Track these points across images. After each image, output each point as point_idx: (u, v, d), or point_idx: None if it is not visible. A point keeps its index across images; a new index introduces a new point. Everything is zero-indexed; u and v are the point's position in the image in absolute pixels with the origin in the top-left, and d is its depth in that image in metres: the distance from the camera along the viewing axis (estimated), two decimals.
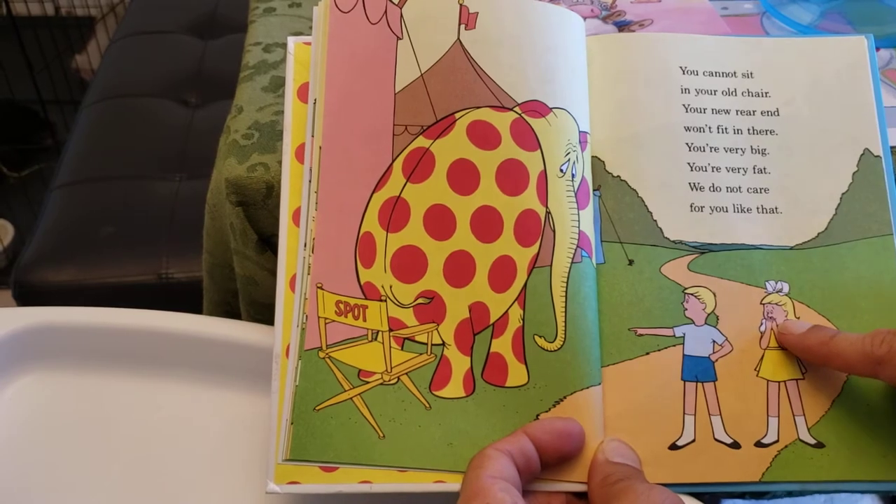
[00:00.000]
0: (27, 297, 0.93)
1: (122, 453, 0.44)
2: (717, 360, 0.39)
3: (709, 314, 0.40)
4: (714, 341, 0.39)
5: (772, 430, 0.38)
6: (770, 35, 0.46)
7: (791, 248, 0.41)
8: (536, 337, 0.38)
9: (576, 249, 0.39)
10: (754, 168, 0.42)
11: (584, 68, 0.43)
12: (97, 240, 0.96)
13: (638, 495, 0.32)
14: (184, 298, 0.90)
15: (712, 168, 0.42)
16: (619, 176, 0.41)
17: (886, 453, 0.38)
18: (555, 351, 0.38)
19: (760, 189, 0.42)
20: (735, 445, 0.38)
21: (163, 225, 0.97)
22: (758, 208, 0.41)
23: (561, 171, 0.40)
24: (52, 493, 0.43)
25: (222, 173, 0.50)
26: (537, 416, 0.37)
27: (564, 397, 0.37)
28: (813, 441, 0.38)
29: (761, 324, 0.40)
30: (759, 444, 0.38)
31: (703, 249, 0.40)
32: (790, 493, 0.65)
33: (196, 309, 0.55)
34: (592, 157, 0.41)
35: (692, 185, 0.41)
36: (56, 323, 0.46)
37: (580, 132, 0.41)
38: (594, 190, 0.41)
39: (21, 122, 1.75)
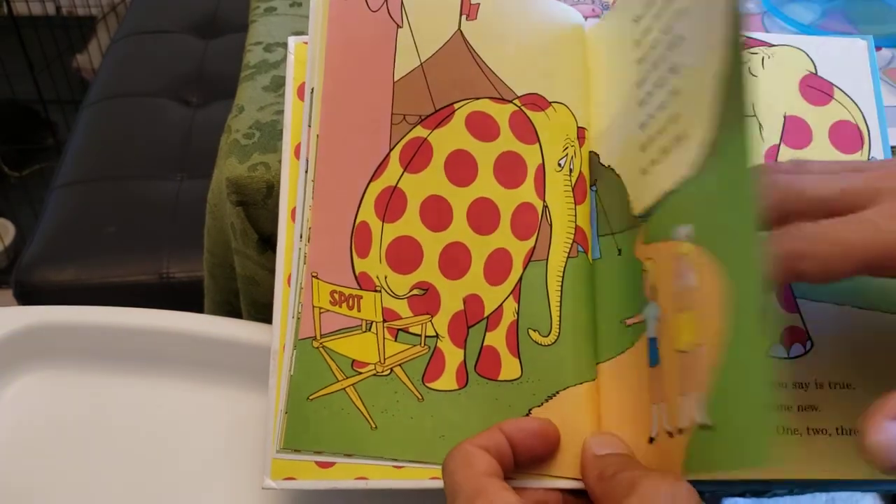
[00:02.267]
0: (28, 296, 0.93)
1: (123, 452, 0.44)
2: (659, 339, 0.35)
3: (652, 287, 0.36)
4: (657, 318, 0.35)
5: (685, 412, 0.32)
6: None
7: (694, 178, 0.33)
8: (531, 331, 0.38)
9: (572, 244, 0.39)
10: None
11: (581, 64, 0.43)
12: (98, 239, 0.96)
13: (646, 495, 0.31)
14: (185, 298, 0.90)
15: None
16: (608, 165, 0.41)
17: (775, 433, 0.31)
18: (549, 346, 0.38)
19: None
20: (673, 433, 0.33)
21: (164, 224, 0.97)
22: None
23: (559, 165, 0.40)
24: (52, 493, 0.43)
25: (223, 173, 0.50)
26: (529, 410, 0.37)
27: (557, 392, 0.37)
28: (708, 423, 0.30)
29: (676, 285, 0.33)
30: (680, 432, 0.32)
31: (647, 216, 0.37)
32: (791, 492, 0.65)
33: (197, 309, 0.55)
34: (589, 151, 0.41)
35: (642, 146, 0.37)
36: (57, 322, 0.46)
37: (578, 127, 0.41)
38: (591, 185, 0.41)
39: (22, 121, 1.75)
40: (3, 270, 1.53)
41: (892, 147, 0.46)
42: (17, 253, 1.50)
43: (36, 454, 0.44)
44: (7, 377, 0.46)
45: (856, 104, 0.43)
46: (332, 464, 0.37)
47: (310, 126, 0.40)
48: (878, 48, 0.58)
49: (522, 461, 0.35)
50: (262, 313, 0.55)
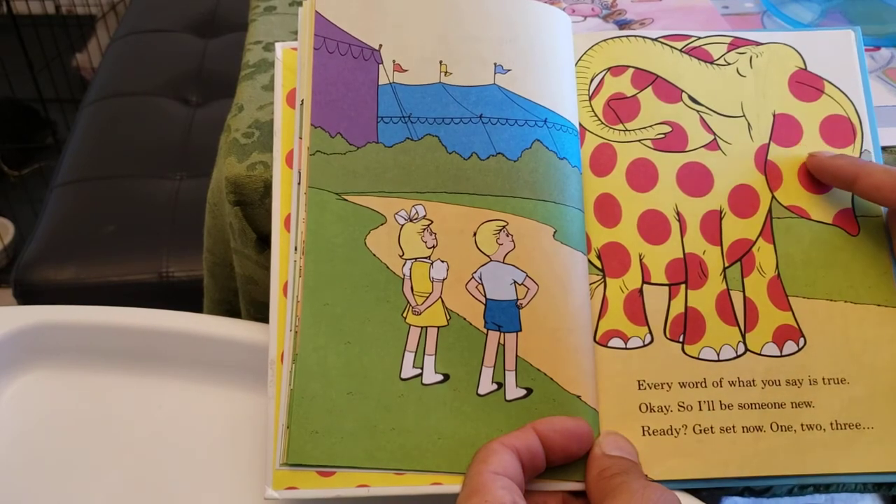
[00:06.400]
0: (28, 295, 0.93)
1: (122, 452, 0.44)
2: None
3: None
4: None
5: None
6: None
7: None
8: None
9: None
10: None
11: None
12: (98, 238, 0.96)
13: (633, 494, 0.32)
14: (184, 297, 0.90)
15: None
16: None
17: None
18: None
19: None
20: None
21: (163, 223, 0.97)
22: None
23: None
24: (52, 492, 0.43)
25: (223, 172, 0.50)
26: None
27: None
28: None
29: None
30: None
31: None
32: (790, 492, 0.65)
33: (197, 308, 0.56)
34: None
35: None
36: (57, 322, 0.46)
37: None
38: None
39: (22, 120, 1.75)
40: (3, 270, 1.53)
41: (884, 147, 0.46)
42: (16, 252, 1.50)
43: (36, 454, 0.44)
44: (7, 376, 0.46)
45: (847, 97, 0.43)
46: (333, 472, 0.37)
47: (300, 138, 0.40)
48: (877, 48, 0.58)
49: (556, 460, 0.35)
50: (261, 312, 0.55)
